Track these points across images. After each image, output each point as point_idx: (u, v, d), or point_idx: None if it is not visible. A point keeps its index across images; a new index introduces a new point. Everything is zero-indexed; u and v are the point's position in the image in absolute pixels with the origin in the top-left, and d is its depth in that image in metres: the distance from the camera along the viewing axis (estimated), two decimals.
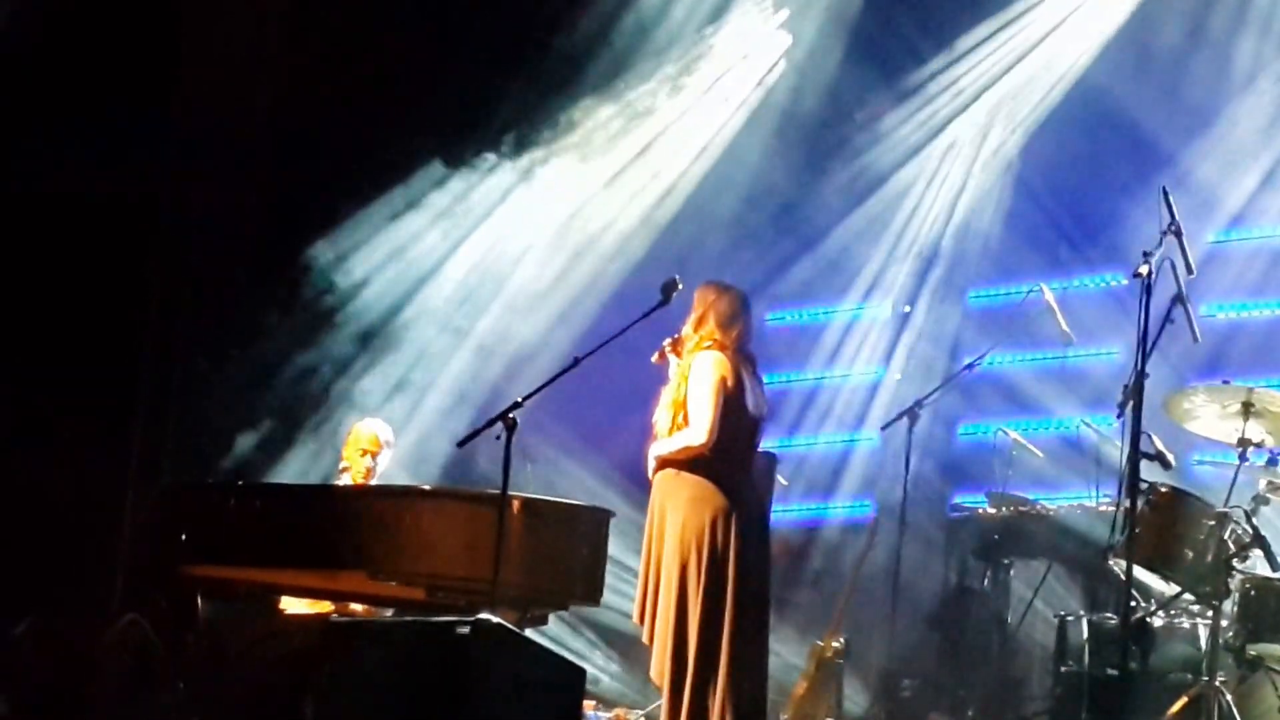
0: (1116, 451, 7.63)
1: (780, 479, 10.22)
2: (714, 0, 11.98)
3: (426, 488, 8.53)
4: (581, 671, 7.24)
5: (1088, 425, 10.03)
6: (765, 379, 8.10)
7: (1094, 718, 8.34)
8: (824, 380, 12.40)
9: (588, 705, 9.66)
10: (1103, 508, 9.43)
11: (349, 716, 6.93)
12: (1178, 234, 7.21)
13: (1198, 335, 7.43)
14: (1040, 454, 10.39)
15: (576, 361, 7.66)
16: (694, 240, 11.86)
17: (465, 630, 6.73)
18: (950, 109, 12.01)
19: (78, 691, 8.59)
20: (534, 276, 11.87)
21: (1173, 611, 8.37)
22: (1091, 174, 11.47)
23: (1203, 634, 8.10)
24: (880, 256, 12.20)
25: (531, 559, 7.87)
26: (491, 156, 11.68)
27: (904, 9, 11.88)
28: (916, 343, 12.02)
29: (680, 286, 7.75)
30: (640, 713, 10.04)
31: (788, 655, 10.24)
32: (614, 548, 8.31)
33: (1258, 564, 8.15)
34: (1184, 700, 7.87)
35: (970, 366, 10.11)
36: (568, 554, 8.06)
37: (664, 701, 7.63)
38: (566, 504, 8.45)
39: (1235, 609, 7.99)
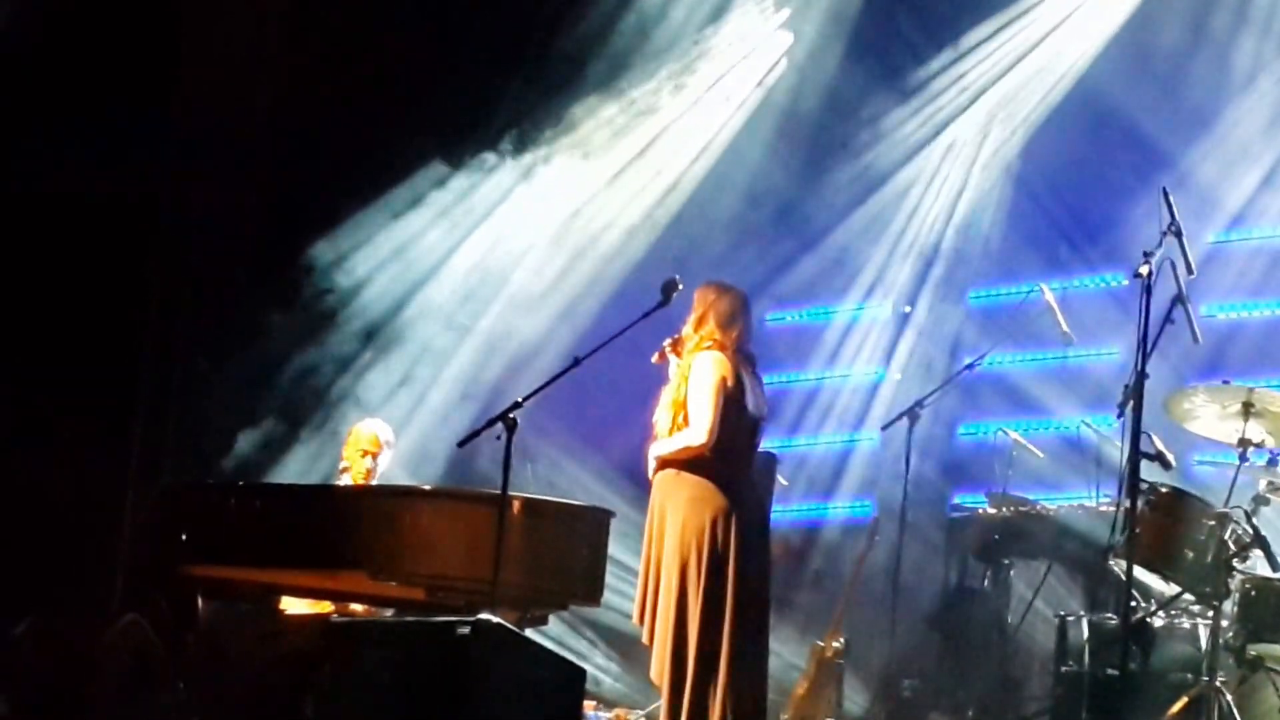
0: (1117, 452, 7.63)
1: (780, 479, 10.23)
2: (714, 0, 11.98)
3: (427, 488, 8.53)
4: (581, 672, 7.25)
5: (1088, 425, 10.03)
6: (765, 379, 8.10)
7: (1094, 718, 8.34)
8: (824, 380, 12.40)
9: (588, 705, 9.66)
10: (1103, 508, 9.43)
11: (349, 717, 6.93)
12: (1178, 234, 7.22)
13: (1198, 335, 7.43)
14: (1040, 454, 10.39)
15: (577, 361, 7.67)
16: (694, 240, 11.87)
17: (465, 630, 6.73)
18: (951, 109, 12.01)
19: (78, 691, 8.58)
20: (535, 275, 11.87)
21: (1173, 612, 8.37)
22: (1092, 174, 11.47)
23: (1203, 634, 8.10)
24: (880, 256, 12.19)
25: (532, 559, 7.86)
26: (492, 156, 11.68)
27: (904, 9, 11.88)
28: (917, 343, 12.02)
29: (680, 287, 7.75)
30: (640, 713, 10.04)
31: (788, 655, 10.24)
32: (614, 548, 8.30)
33: (1258, 564, 8.15)
34: (1184, 700, 7.87)
35: (970, 366, 10.12)
36: (568, 554, 8.06)
37: (663, 702, 7.63)
38: (567, 504, 8.45)
39: (1235, 609, 7.99)
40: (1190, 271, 7.25)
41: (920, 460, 10.27)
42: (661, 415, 7.84)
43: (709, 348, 7.79)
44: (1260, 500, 8.19)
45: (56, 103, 10.54)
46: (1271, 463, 8.35)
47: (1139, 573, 8.02)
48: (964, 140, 12.05)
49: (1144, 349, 6.98)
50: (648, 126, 11.97)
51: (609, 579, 8.27)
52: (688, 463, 7.69)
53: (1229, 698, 7.82)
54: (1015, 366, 11.53)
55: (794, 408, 12.25)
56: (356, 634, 7.30)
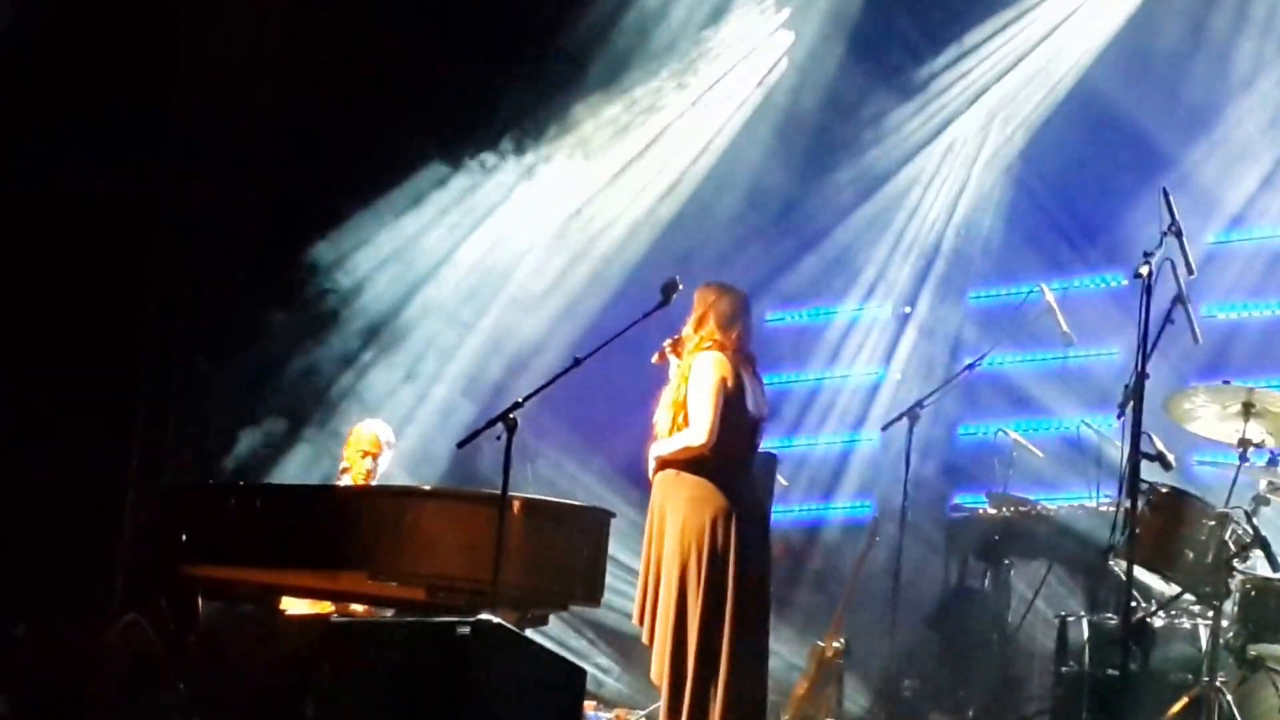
0: (1117, 452, 7.61)
1: (781, 479, 10.23)
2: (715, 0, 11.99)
3: (427, 488, 8.53)
4: (582, 672, 7.25)
5: (1088, 426, 10.03)
6: (765, 379, 8.10)
7: (1094, 718, 8.34)
8: (824, 381, 12.40)
9: (588, 705, 9.65)
10: (1103, 508, 9.43)
11: (349, 717, 6.93)
12: (1178, 234, 7.21)
13: (1198, 335, 7.43)
14: (1040, 454, 10.39)
15: (577, 362, 7.66)
16: (695, 240, 11.87)
17: (465, 631, 6.73)
18: (951, 109, 12.01)
19: (78, 691, 8.59)
20: (535, 275, 11.86)
21: (1173, 612, 8.37)
22: (1092, 174, 11.47)
23: (1203, 634, 8.09)
24: (881, 257, 12.19)
25: (532, 559, 7.86)
26: (493, 156, 11.67)
27: (904, 9, 11.88)
28: (917, 343, 12.02)
29: (680, 287, 7.75)
30: (640, 713, 10.04)
31: (788, 655, 10.24)
32: (614, 548, 8.30)
33: (1258, 564, 8.15)
34: (1184, 701, 7.87)
35: (971, 367, 10.11)
36: (568, 554, 8.06)
37: (663, 702, 7.62)
38: (567, 504, 8.45)
39: (1235, 609, 7.99)
40: (1190, 272, 7.25)
41: (920, 460, 10.26)
42: (662, 416, 7.83)
43: (709, 348, 7.79)
44: (1260, 500, 8.19)
45: (56, 103, 10.55)
46: (1272, 463, 8.35)
47: (1139, 573, 8.02)
48: (964, 140, 12.05)
49: (1144, 349, 6.98)
50: (648, 126, 11.97)
51: (609, 579, 8.27)
52: (688, 463, 7.69)
53: (1229, 698, 7.82)
54: (1015, 367, 11.52)
55: (794, 408, 12.25)
56: (357, 634, 7.30)
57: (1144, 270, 7.00)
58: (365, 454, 9.32)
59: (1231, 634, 7.96)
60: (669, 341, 7.89)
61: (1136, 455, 6.94)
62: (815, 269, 12.31)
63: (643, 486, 7.99)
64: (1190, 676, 8.05)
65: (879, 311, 12.34)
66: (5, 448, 10.38)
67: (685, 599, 7.59)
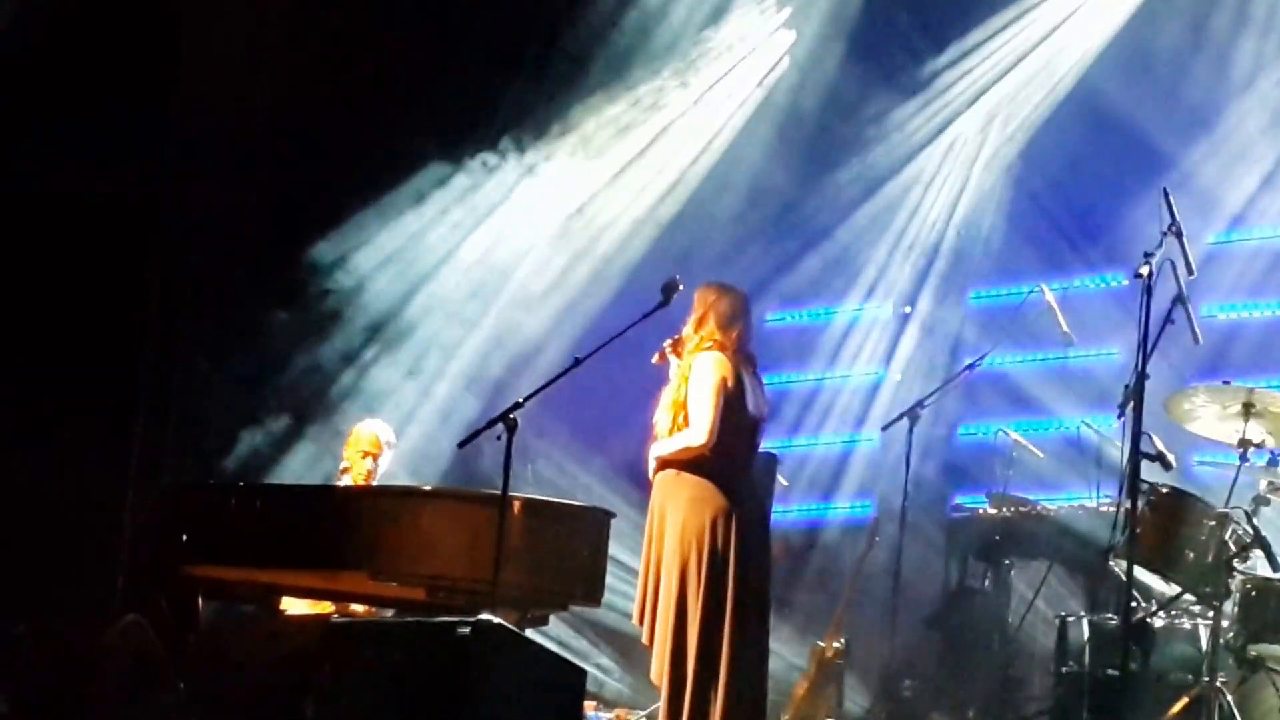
0: (1117, 452, 7.63)
1: (781, 479, 10.24)
2: None
3: (427, 488, 8.53)
4: (582, 672, 7.25)
5: (1088, 426, 10.04)
6: (766, 379, 8.09)
7: (1094, 718, 8.34)
8: (824, 381, 12.40)
9: (588, 706, 9.65)
10: (1103, 508, 9.43)
11: (349, 717, 6.93)
12: (1178, 234, 7.22)
13: (1198, 336, 7.43)
14: (1041, 454, 10.40)
15: (577, 362, 7.66)
16: (695, 239, 11.87)
17: (466, 631, 6.73)
18: (951, 109, 12.02)
19: (78, 691, 8.59)
20: (536, 274, 11.86)
21: (1173, 612, 8.37)
22: (1092, 174, 11.47)
23: (1203, 634, 8.10)
24: (881, 257, 12.20)
25: (532, 560, 7.86)
26: (494, 155, 11.67)
27: (904, 9, 11.88)
28: (917, 343, 12.02)
29: (681, 287, 7.75)
30: (641, 713, 10.04)
31: (788, 655, 10.24)
32: (614, 548, 8.30)
33: (1258, 564, 8.16)
34: (1184, 701, 7.87)
35: (971, 367, 10.11)
36: (568, 555, 8.05)
37: (663, 702, 7.62)
38: (567, 504, 8.45)
39: (1236, 609, 7.99)
40: (1190, 272, 7.25)
41: (921, 461, 10.28)
42: (662, 416, 7.83)
43: (709, 348, 7.79)
44: (1260, 500, 8.19)
45: (56, 103, 10.54)
46: (1272, 463, 8.35)
47: (1139, 573, 8.02)
48: (965, 140, 12.05)
49: (1144, 349, 6.98)
50: (649, 125, 11.98)
51: (609, 579, 8.27)
52: (688, 463, 7.69)
53: (1229, 698, 7.82)
54: (1016, 367, 11.53)
55: (794, 408, 12.26)
56: (357, 634, 7.30)
57: (1144, 270, 7.00)
58: (365, 454, 9.32)
59: (1232, 634, 7.96)
60: (669, 342, 7.88)
61: (1137, 455, 6.94)
62: (816, 269, 12.32)
63: (643, 486, 7.99)
64: (1190, 677, 8.05)
65: (879, 312, 12.34)
66: (5, 448, 10.37)
67: (685, 599, 7.59)
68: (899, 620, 9.94)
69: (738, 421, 7.73)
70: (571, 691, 7.11)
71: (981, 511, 10.36)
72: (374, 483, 9.27)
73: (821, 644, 9.98)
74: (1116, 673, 8.09)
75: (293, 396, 11.32)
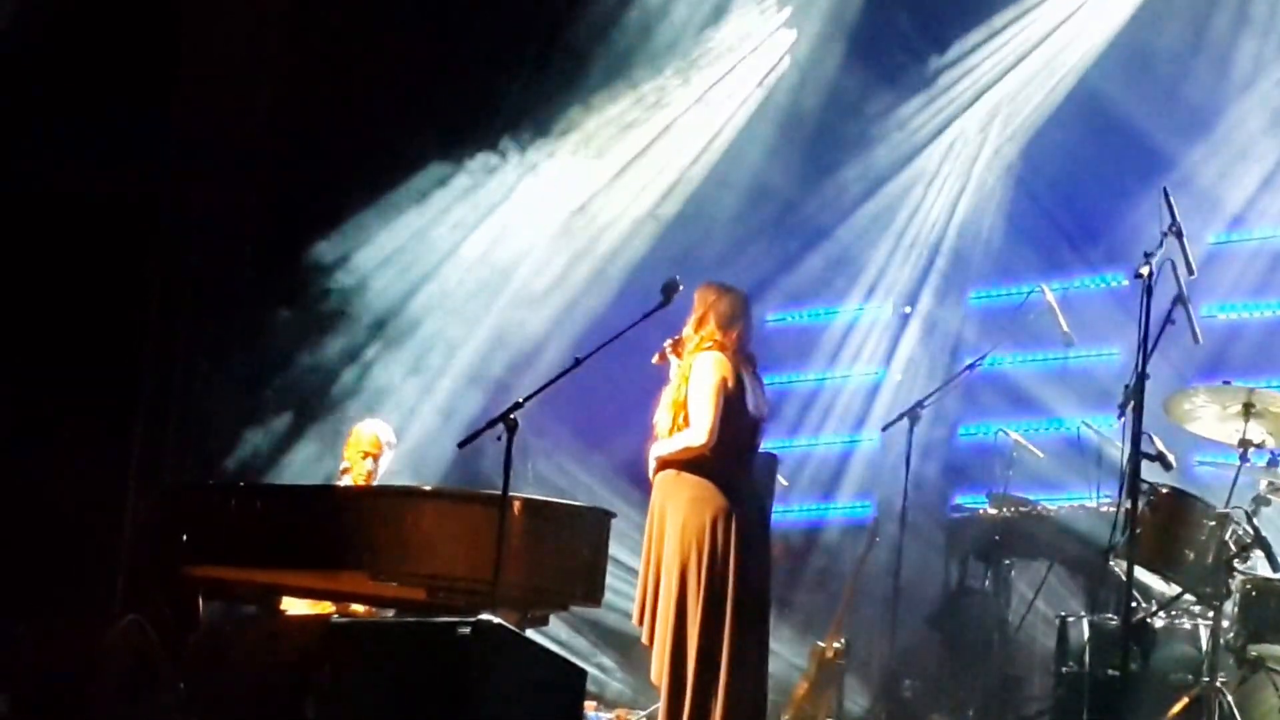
0: (1117, 452, 7.61)
1: (781, 479, 10.24)
2: None
3: (427, 488, 8.53)
4: (582, 672, 7.25)
5: (1088, 426, 10.03)
6: (766, 379, 8.09)
7: (1095, 718, 8.33)
8: (825, 381, 12.40)
9: (589, 706, 9.65)
10: (1104, 508, 9.43)
11: (349, 717, 6.93)
12: (1179, 235, 7.21)
13: (1199, 336, 7.42)
14: (1041, 455, 10.39)
15: (578, 362, 7.66)
16: (696, 239, 11.87)
17: (466, 631, 6.73)
18: (952, 109, 12.01)
19: (78, 691, 8.59)
20: (537, 273, 11.86)
21: (1173, 612, 8.37)
22: (1092, 174, 11.47)
23: (1203, 635, 8.09)
24: (881, 257, 12.19)
25: (532, 560, 7.86)
26: (495, 154, 11.67)
27: (904, 9, 11.88)
28: (917, 343, 12.02)
29: (681, 287, 7.75)
30: (641, 713, 10.04)
31: (788, 655, 10.24)
32: (615, 548, 8.30)
33: (1258, 565, 8.15)
34: (1185, 701, 7.86)
35: (971, 367, 10.10)
36: (569, 555, 8.05)
37: (663, 702, 7.61)
38: (567, 505, 8.45)
39: (1236, 610, 7.99)
40: (1191, 272, 7.24)
41: (921, 461, 10.27)
42: (662, 416, 7.83)
43: (709, 348, 7.79)
44: (1261, 501, 8.19)
45: (56, 103, 10.54)
46: (1272, 463, 8.34)
47: (1140, 573, 8.02)
48: (965, 140, 12.05)
49: (1144, 349, 6.97)
50: (650, 125, 11.97)
51: (609, 579, 8.26)
52: (688, 463, 7.69)
53: (1229, 698, 7.81)
54: (1016, 367, 11.52)
55: (795, 408, 12.25)
56: (357, 635, 7.30)
57: (1144, 270, 6.99)
58: (366, 454, 9.31)
59: (1232, 634, 7.96)
60: (669, 342, 7.88)
61: (1137, 455, 6.94)
62: (816, 269, 12.31)
63: (643, 486, 7.99)
64: (1190, 677, 8.05)
65: (879, 312, 12.34)
66: (5, 448, 10.38)
67: (685, 599, 7.58)
68: (899, 620, 9.94)
69: (738, 422, 7.73)
70: (572, 692, 7.12)
71: (982, 512, 10.35)
72: (374, 483, 9.26)
73: (822, 644, 9.97)
74: (1117, 673, 8.09)
75: (294, 396, 11.32)
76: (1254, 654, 7.97)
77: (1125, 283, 9.09)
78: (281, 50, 11.51)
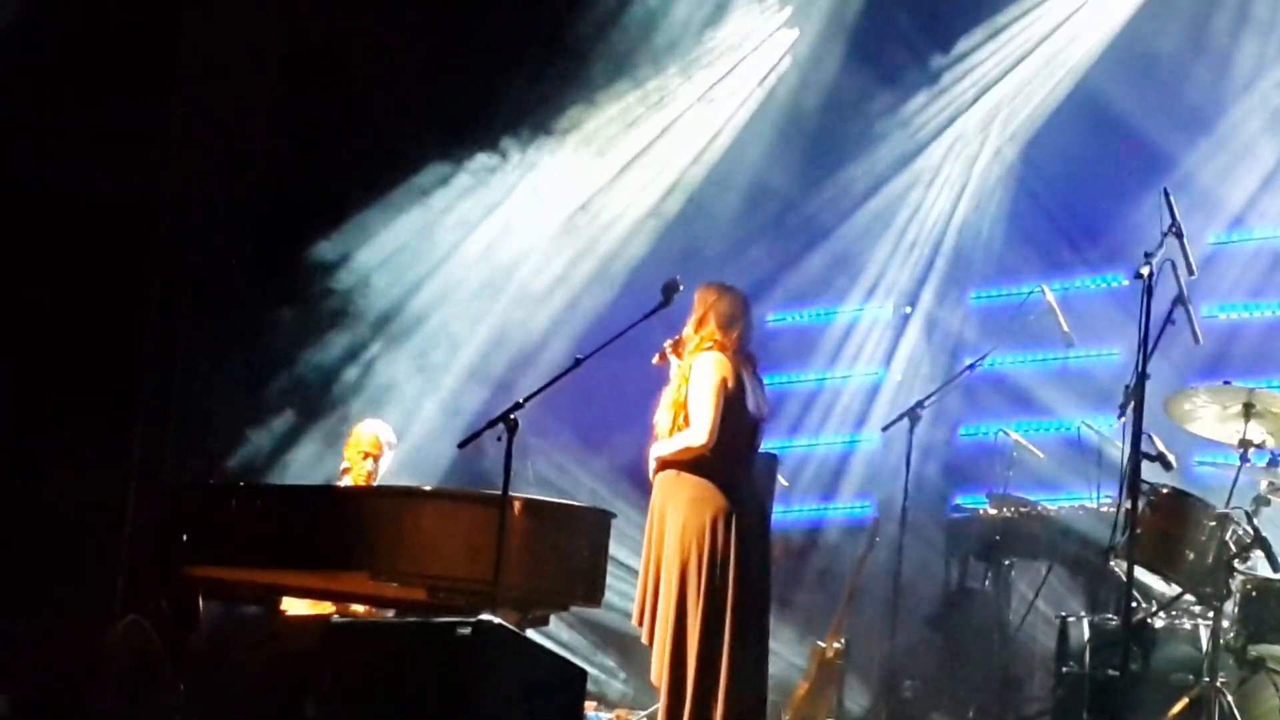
0: (1117, 452, 7.61)
1: (781, 480, 10.24)
2: None
3: (428, 488, 8.52)
4: (582, 672, 7.26)
5: (1089, 426, 10.04)
6: (766, 379, 8.10)
7: (1095, 718, 8.33)
8: (825, 381, 12.39)
9: (589, 706, 9.65)
10: (1104, 509, 9.43)
11: (350, 717, 6.93)
12: (1179, 235, 7.21)
13: (1199, 336, 7.43)
14: (1041, 455, 10.39)
15: (578, 362, 7.67)
16: (697, 239, 11.86)
17: (466, 631, 6.73)
18: (952, 109, 12.01)
19: (78, 691, 8.59)
20: (539, 272, 11.86)
21: (1174, 612, 8.37)
22: (1093, 175, 11.47)
23: (1204, 635, 8.09)
24: (881, 257, 12.19)
25: (533, 560, 7.86)
26: (495, 154, 11.67)
27: (905, 8, 11.88)
28: (918, 344, 12.02)
29: (681, 287, 7.75)
30: (641, 713, 10.04)
31: (788, 656, 10.24)
32: (615, 548, 8.30)
33: (1259, 565, 8.15)
34: (1185, 701, 7.87)
35: (971, 367, 10.11)
36: (569, 555, 8.05)
37: (662, 703, 7.61)
38: (568, 505, 8.45)
39: (1236, 610, 7.99)
40: (1191, 272, 7.25)
41: (921, 461, 10.26)
42: (662, 416, 7.83)
43: (709, 348, 7.79)
44: (1261, 501, 8.18)
45: (56, 103, 10.54)
46: (1272, 464, 8.35)
47: (1140, 573, 8.02)
48: (965, 140, 12.05)
49: (1145, 350, 6.98)
50: (651, 124, 11.97)
51: (610, 579, 8.27)
52: (688, 463, 7.69)
53: (1229, 698, 7.82)
54: (1016, 367, 11.52)
55: (795, 408, 12.25)
56: (357, 635, 7.31)
57: (1145, 271, 6.99)
58: (366, 455, 9.31)
59: (1232, 634, 7.96)
60: (669, 342, 7.89)
61: (1137, 456, 6.94)
62: (816, 269, 12.31)
63: (643, 487, 7.99)
64: (1191, 677, 8.05)
65: (880, 312, 12.33)
66: (5, 448, 10.38)
67: (685, 599, 7.58)
68: (899, 620, 9.93)
69: (738, 422, 7.73)
70: (572, 692, 7.12)
71: (982, 512, 10.35)
72: (375, 483, 9.26)
73: (822, 644, 9.97)
74: (1117, 673, 8.09)
75: (295, 395, 11.32)
76: (1254, 654, 7.97)
77: (1125, 283, 9.08)
78: (281, 50, 11.50)
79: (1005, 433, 10.53)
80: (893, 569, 9.83)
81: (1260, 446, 8.20)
